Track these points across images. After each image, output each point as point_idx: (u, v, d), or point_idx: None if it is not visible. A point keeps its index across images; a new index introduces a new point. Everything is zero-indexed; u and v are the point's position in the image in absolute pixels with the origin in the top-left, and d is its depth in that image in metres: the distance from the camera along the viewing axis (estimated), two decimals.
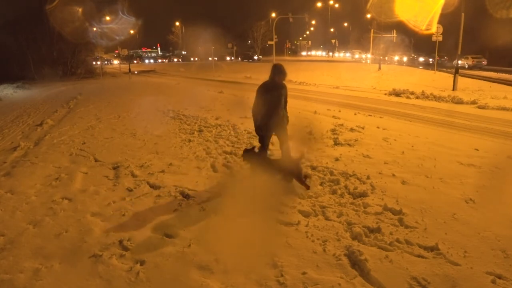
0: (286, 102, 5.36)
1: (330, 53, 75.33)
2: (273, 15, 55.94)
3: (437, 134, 8.16)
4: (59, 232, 4.02)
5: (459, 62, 19.33)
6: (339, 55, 73.02)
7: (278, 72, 5.06)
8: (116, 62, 56.29)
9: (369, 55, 44.01)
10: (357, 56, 56.61)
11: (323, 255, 3.46)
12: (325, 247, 3.58)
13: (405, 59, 45.06)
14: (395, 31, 37.98)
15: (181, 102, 13.76)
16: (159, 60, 76.44)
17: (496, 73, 27.02)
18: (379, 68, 30.77)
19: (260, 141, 5.33)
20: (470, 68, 32.43)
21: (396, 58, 44.76)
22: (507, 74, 26.57)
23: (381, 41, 37.23)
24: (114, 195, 5.01)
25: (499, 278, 3.07)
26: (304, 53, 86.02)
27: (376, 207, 4.40)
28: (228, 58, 64.63)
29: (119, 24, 40.49)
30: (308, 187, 4.94)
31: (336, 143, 7.26)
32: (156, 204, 4.70)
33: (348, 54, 67.85)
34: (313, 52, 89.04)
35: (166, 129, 9.06)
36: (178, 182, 5.38)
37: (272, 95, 5.02)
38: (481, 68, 32.21)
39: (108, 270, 3.31)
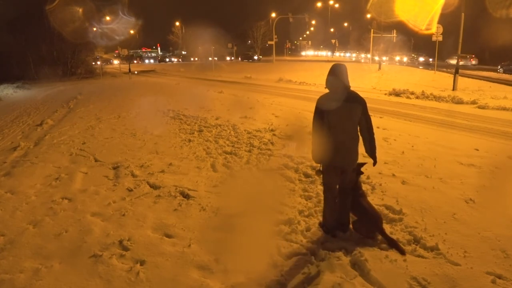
0: (367, 124, 3.69)
1: (354, 54, 64.66)
2: (273, 15, 55.92)
3: (437, 134, 8.16)
4: (59, 232, 4.02)
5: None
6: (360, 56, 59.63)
7: (334, 76, 3.47)
8: (116, 62, 56.21)
9: (368, 55, 43.99)
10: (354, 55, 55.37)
11: (324, 255, 3.45)
12: (325, 247, 3.58)
13: (405, 59, 45.08)
14: (395, 31, 37.94)
15: (181, 102, 13.75)
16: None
17: (496, 73, 27.01)
18: (379, 68, 30.75)
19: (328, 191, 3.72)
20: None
21: (397, 58, 44.78)
22: (506, 74, 26.55)
23: (381, 41, 37.18)
24: (114, 195, 5.01)
25: (499, 278, 3.08)
26: (303, 53, 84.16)
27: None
28: (228, 58, 64.52)
29: (119, 24, 40.48)
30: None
31: None
32: (156, 204, 4.71)
33: (348, 54, 66.59)
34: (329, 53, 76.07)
35: (166, 129, 9.05)
36: (178, 182, 5.38)
37: (336, 114, 3.44)
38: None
39: (108, 270, 3.31)
